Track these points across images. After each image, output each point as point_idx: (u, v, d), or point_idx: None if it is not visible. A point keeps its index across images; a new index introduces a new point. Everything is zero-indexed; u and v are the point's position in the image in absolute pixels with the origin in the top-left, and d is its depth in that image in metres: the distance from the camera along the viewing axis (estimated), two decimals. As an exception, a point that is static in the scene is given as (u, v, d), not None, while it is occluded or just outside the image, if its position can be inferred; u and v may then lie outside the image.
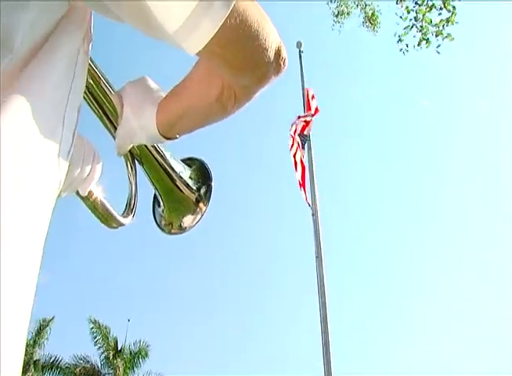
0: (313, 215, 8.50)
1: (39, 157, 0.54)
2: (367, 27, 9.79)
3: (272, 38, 0.62)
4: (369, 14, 9.61)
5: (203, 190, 1.01)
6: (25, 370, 18.28)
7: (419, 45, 8.42)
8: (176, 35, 0.56)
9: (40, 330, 19.61)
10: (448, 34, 8.29)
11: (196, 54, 0.61)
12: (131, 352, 19.92)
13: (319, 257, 8.09)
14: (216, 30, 0.55)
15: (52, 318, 19.98)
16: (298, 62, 10.80)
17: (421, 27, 8.34)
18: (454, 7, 8.13)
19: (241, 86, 0.71)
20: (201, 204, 1.01)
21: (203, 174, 1.02)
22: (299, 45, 11.35)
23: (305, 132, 8.90)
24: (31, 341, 19.21)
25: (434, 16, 8.31)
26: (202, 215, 1.01)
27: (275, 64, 0.65)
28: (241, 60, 0.62)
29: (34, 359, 19.21)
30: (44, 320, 19.80)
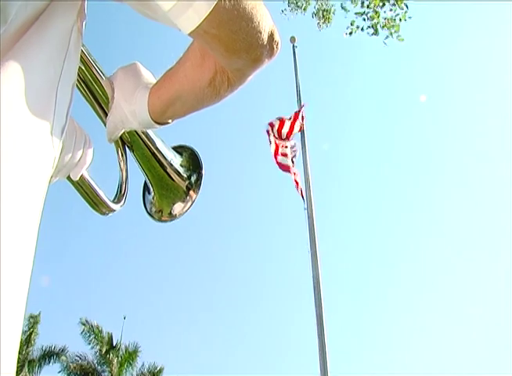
0: (306, 209, 8.50)
1: (30, 133, 0.53)
2: (318, 19, 9.68)
3: (266, 21, 0.63)
4: (323, 8, 9.56)
5: (193, 178, 1.01)
6: (20, 369, 18.17)
7: (364, 30, 8.65)
8: (171, 13, 0.57)
9: (31, 328, 19.46)
10: (398, 36, 8.56)
11: (191, 35, 0.61)
12: (127, 351, 19.82)
13: (313, 253, 8.09)
14: (211, 9, 0.56)
15: (39, 313, 19.84)
16: (292, 57, 10.79)
17: (371, 16, 8.58)
18: (407, 5, 8.41)
19: (235, 69, 0.72)
20: (191, 192, 1.01)
21: (193, 162, 1.02)
22: (292, 39, 11.35)
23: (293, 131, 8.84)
24: (24, 340, 19.08)
25: (386, 9, 8.57)
26: (192, 203, 1.02)
27: (269, 47, 0.66)
28: (235, 41, 0.63)
29: (29, 359, 19.08)
30: (32, 316, 19.64)
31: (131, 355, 19.77)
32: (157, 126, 0.87)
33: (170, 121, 0.88)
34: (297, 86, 10.29)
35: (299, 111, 9.12)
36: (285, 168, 8.39)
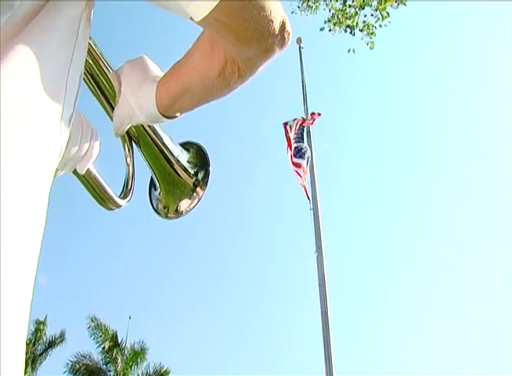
0: (312, 209, 8.50)
1: (41, 119, 0.52)
2: (333, 24, 9.51)
3: (278, 10, 0.62)
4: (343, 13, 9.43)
5: (200, 175, 1.00)
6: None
7: (345, 31, 8.66)
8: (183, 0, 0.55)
9: (36, 332, 19.48)
10: (372, 42, 8.56)
11: (201, 23, 0.60)
12: (132, 349, 19.77)
13: (319, 252, 8.07)
14: None
15: (45, 318, 19.82)
16: (298, 57, 10.78)
17: (350, 16, 8.55)
18: (388, 14, 8.36)
19: (245, 59, 0.70)
20: (198, 189, 1.00)
21: (201, 158, 1.01)
22: (299, 40, 11.34)
23: (304, 125, 8.86)
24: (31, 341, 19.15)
25: (367, 12, 8.52)
26: (199, 200, 1.00)
27: (280, 36, 0.65)
28: (246, 30, 0.62)
29: (32, 358, 19.11)
30: (37, 322, 19.65)
31: (137, 354, 19.70)
32: (165, 120, 0.85)
33: (178, 114, 0.86)
34: (303, 86, 10.29)
35: (310, 117, 9.16)
36: (298, 166, 8.40)
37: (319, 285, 7.75)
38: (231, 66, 0.73)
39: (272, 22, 0.62)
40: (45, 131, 0.53)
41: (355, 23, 8.55)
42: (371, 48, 8.73)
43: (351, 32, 8.64)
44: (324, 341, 7.26)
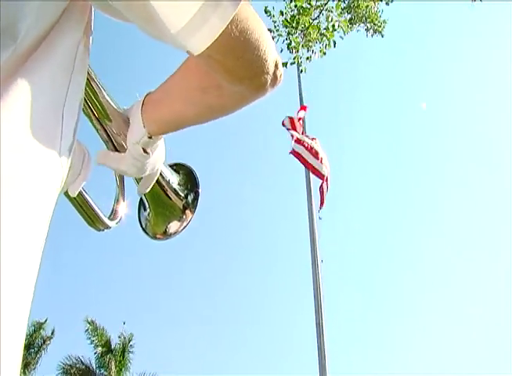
0: (308, 210, 8.54)
1: (37, 154, 0.52)
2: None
3: (271, 51, 0.64)
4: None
5: (190, 197, 1.01)
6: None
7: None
8: (181, 34, 0.54)
9: (34, 333, 19.45)
10: (304, 67, 9.12)
11: (195, 58, 0.60)
12: (123, 350, 19.67)
13: (314, 256, 8.08)
14: (224, 27, 0.55)
15: (45, 320, 19.82)
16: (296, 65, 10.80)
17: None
18: (334, 42, 9.01)
19: (236, 93, 0.72)
20: (188, 211, 1.01)
21: (190, 180, 1.02)
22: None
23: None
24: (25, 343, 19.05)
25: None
26: (188, 222, 1.01)
27: (273, 76, 0.67)
28: (240, 68, 0.64)
29: (25, 362, 19.00)
30: (37, 323, 19.63)
31: (121, 353, 19.60)
32: (146, 133, 0.85)
33: (164, 132, 0.87)
34: (300, 94, 10.33)
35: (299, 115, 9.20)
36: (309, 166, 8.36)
37: (314, 286, 7.76)
38: (220, 96, 0.74)
39: (266, 61, 0.64)
40: (44, 167, 0.54)
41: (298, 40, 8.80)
42: (304, 71, 9.09)
43: (291, 49, 8.94)
44: (317, 342, 7.26)
